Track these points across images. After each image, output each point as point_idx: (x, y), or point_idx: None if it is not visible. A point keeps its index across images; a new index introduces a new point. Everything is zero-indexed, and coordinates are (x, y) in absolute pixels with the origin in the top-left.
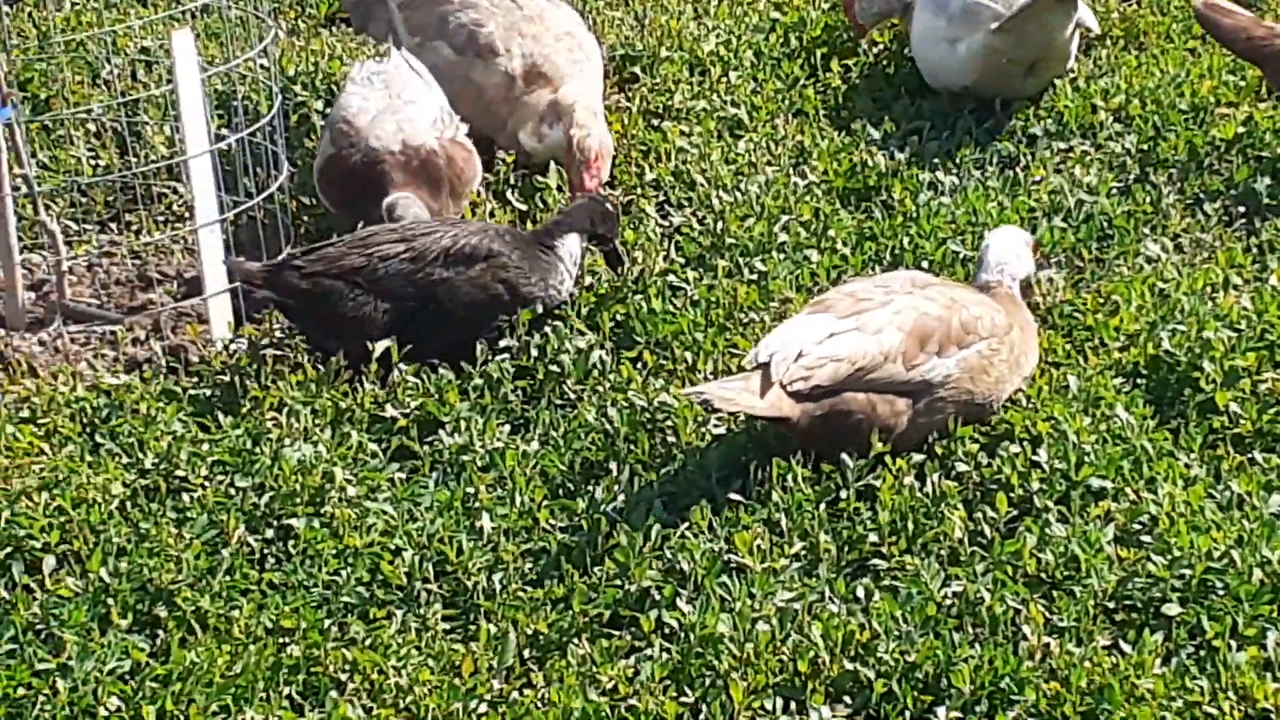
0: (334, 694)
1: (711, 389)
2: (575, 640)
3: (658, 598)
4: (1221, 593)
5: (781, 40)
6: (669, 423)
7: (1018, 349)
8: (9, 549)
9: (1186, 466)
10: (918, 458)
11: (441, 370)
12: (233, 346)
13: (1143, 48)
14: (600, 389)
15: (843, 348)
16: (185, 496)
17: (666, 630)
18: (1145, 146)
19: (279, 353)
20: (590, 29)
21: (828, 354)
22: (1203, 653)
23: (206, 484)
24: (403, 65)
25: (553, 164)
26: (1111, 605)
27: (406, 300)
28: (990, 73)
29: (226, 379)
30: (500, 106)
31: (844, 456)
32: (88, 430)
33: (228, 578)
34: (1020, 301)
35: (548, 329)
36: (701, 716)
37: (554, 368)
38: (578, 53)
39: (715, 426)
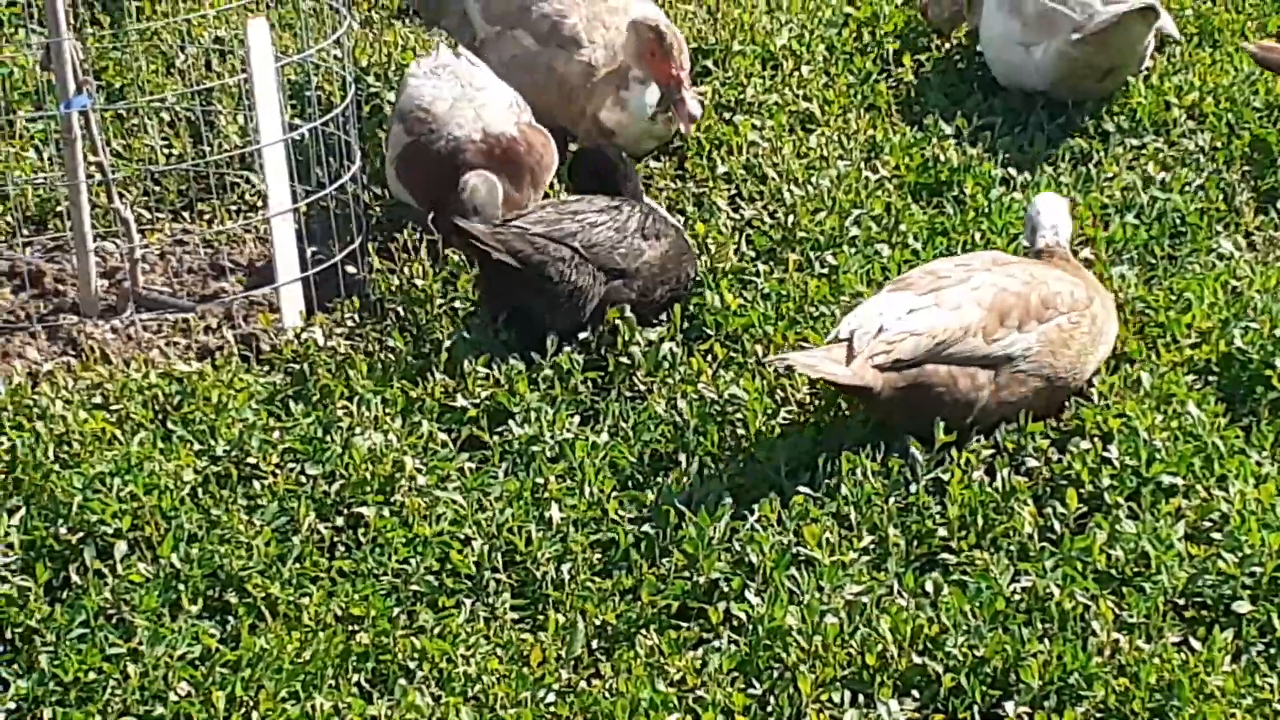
0: (403, 682)
1: (796, 357)
2: (643, 631)
3: (726, 589)
4: None
5: (854, 34)
6: (738, 415)
7: (1099, 321)
8: (81, 534)
9: (1258, 464)
10: (987, 453)
11: (511, 360)
12: (304, 335)
13: (1217, 45)
14: (670, 381)
15: (923, 322)
16: (256, 484)
17: (735, 622)
18: (1218, 144)
19: (350, 342)
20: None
21: (908, 328)
22: (1273, 650)
23: (277, 471)
24: (463, 60)
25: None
26: (1181, 602)
27: (613, 272)
28: (1067, 78)
29: (297, 367)
30: (580, 95)
31: (913, 451)
32: (160, 417)
33: (298, 565)
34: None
35: (618, 321)
36: (769, 708)
37: (624, 360)
38: None
39: (784, 420)
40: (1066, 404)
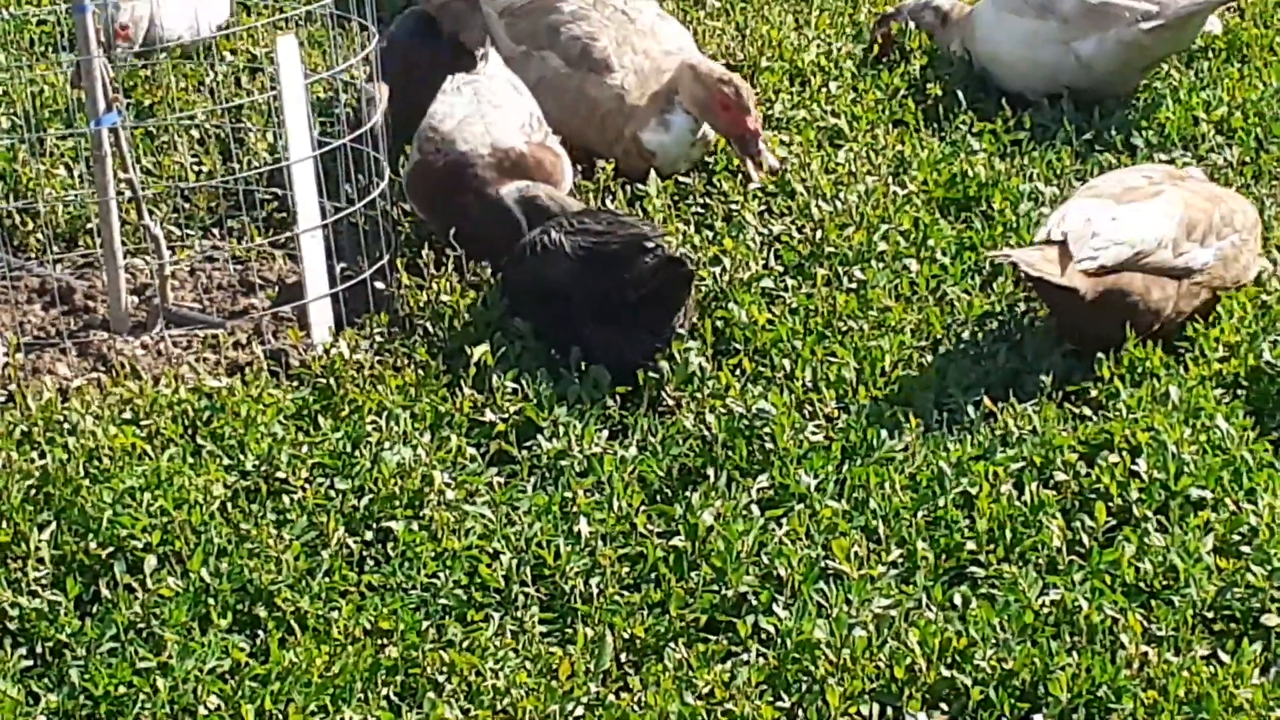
0: (431, 695)
1: (1017, 253)
2: (672, 644)
3: (754, 603)
4: None
5: (881, 50)
6: (766, 430)
7: (1257, 238)
8: (112, 549)
9: None
10: (1015, 466)
11: (540, 375)
12: (333, 350)
13: (1245, 60)
14: (699, 395)
15: (1125, 231)
16: (285, 498)
17: (763, 635)
18: (1247, 158)
19: (379, 357)
20: (698, 44)
21: (1113, 237)
22: None
23: (306, 486)
24: (497, 74)
25: (652, 174)
26: (1210, 615)
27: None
28: (1121, 69)
29: (326, 382)
30: (614, 118)
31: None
32: (189, 432)
33: (327, 579)
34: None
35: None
36: None
37: (653, 374)
38: None
39: (812, 434)
40: None
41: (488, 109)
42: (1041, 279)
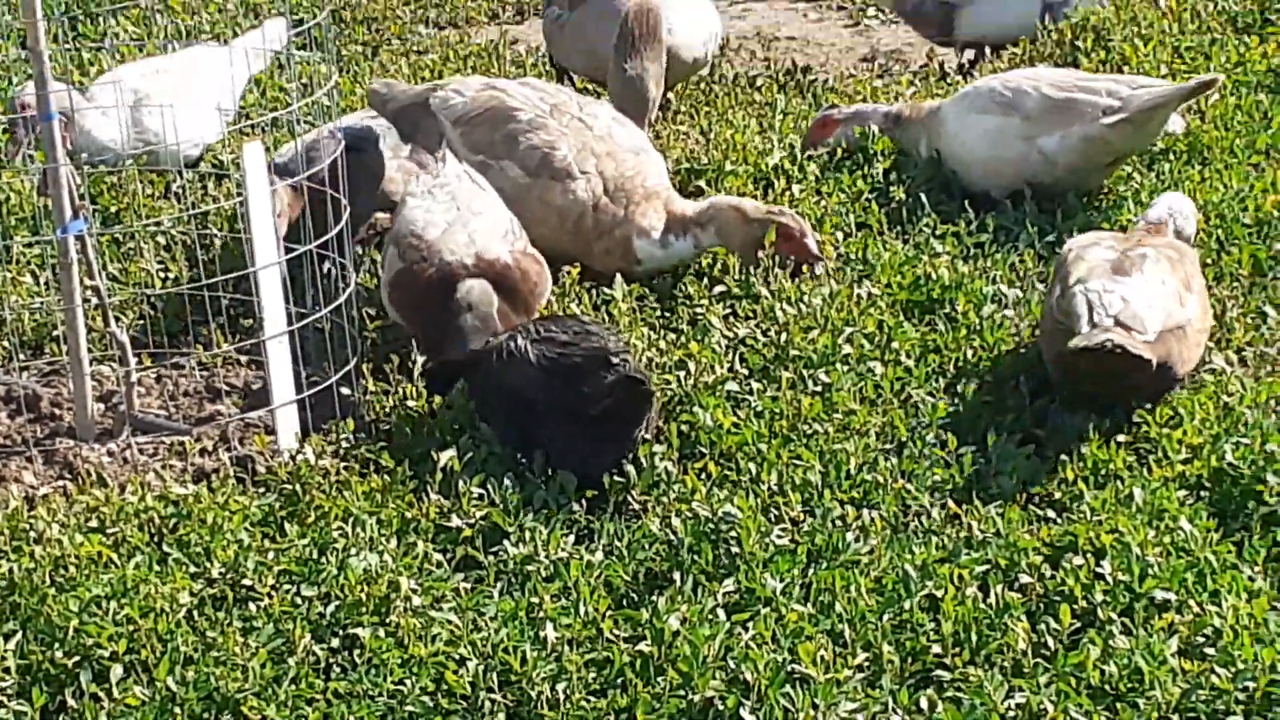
0: None
1: (1102, 336)
2: None
3: (721, 708)
4: None
5: (845, 153)
6: (732, 534)
7: (1207, 301)
8: (78, 658)
9: (1250, 579)
10: (980, 569)
11: (506, 480)
12: (299, 457)
13: (1206, 162)
14: (665, 499)
15: (1152, 299)
16: (252, 605)
17: None
18: (1209, 260)
19: (345, 463)
20: (656, 146)
21: (1148, 304)
22: None
23: (273, 593)
24: (463, 176)
25: (618, 278)
26: (1175, 717)
27: None
28: (1083, 165)
29: (292, 489)
30: (594, 221)
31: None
32: (155, 540)
33: (293, 687)
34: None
35: None
36: None
37: (619, 478)
38: (653, 170)
39: (778, 537)
40: None
41: (469, 217)
42: (1137, 355)
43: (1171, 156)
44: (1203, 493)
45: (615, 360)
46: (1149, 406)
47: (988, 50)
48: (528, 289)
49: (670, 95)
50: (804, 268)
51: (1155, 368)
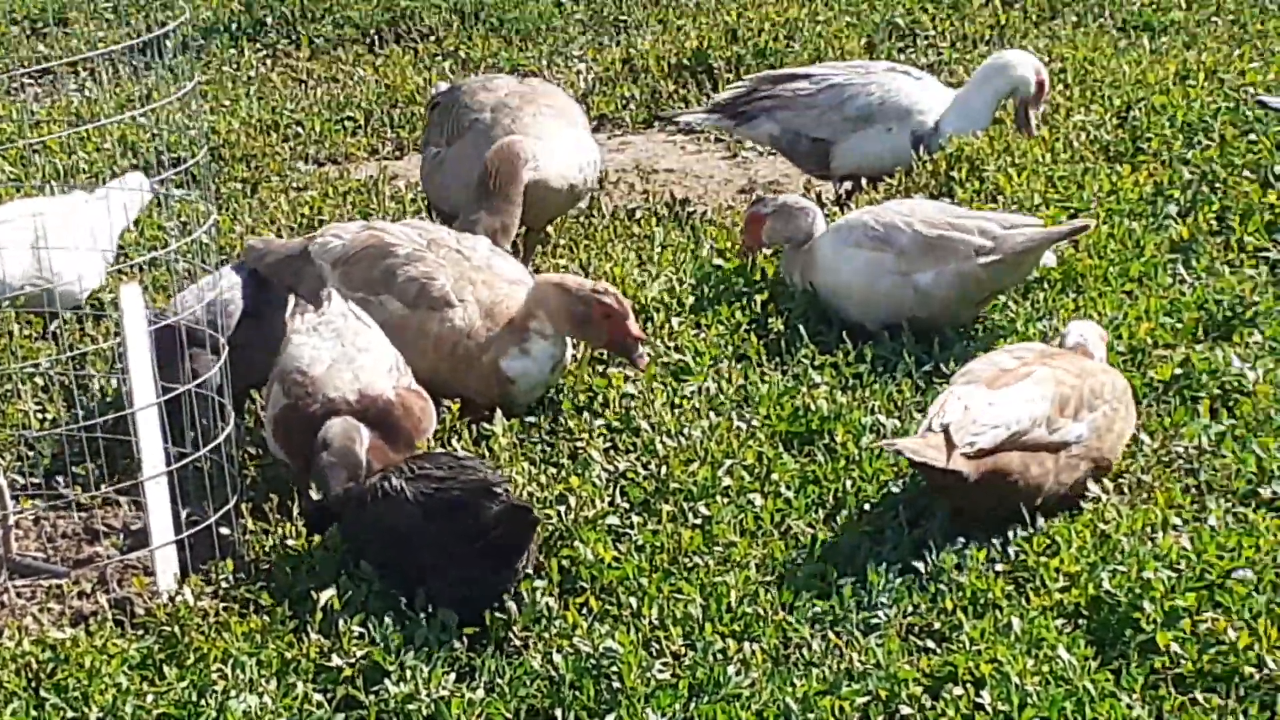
0: None
1: (903, 443)
2: None
3: None
4: None
5: (724, 285)
6: (614, 668)
7: (1128, 403)
8: None
9: (1129, 707)
10: (860, 700)
11: (387, 619)
12: (178, 598)
13: (1080, 291)
14: (546, 635)
15: (1001, 416)
16: None
17: None
18: None
19: (225, 603)
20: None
21: (990, 421)
22: None
23: None
24: (348, 314)
25: (498, 413)
26: None
27: None
28: (957, 301)
29: (171, 630)
30: (468, 352)
31: None
32: (33, 685)
33: None
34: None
35: None
36: None
37: (500, 615)
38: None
39: (659, 672)
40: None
41: (354, 353)
42: (927, 464)
43: (1046, 285)
44: (1080, 621)
45: (498, 490)
46: (1026, 535)
47: (864, 181)
48: (411, 424)
49: (550, 229)
50: (626, 356)
51: (981, 480)
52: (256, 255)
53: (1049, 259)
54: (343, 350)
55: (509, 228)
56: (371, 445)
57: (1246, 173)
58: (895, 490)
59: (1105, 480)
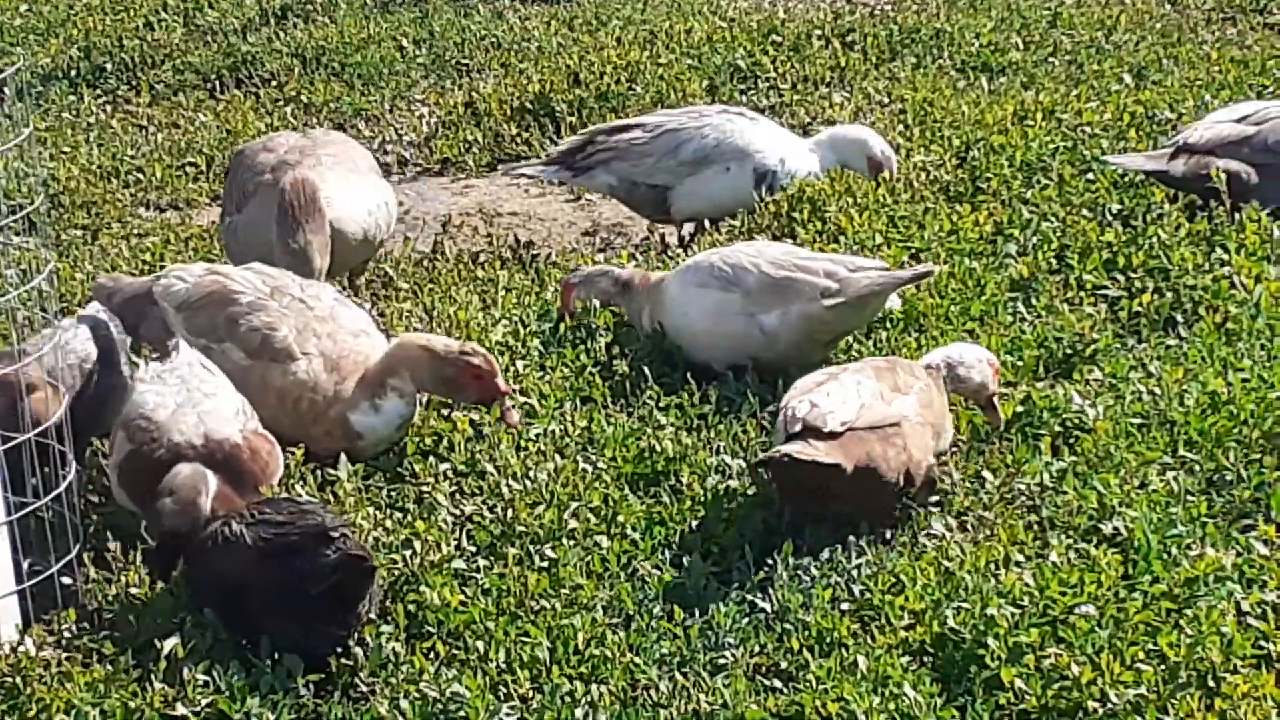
0: None
1: (787, 447)
2: None
3: None
4: None
5: (569, 329)
6: (461, 713)
7: (938, 404)
8: None
9: None
10: None
11: (231, 666)
12: (20, 649)
13: (922, 329)
14: (393, 681)
15: (844, 396)
16: None
17: None
18: None
19: (68, 654)
20: (381, 327)
21: (839, 401)
22: None
23: None
24: (194, 361)
25: (343, 457)
26: None
27: None
28: (803, 342)
29: (13, 682)
30: (311, 404)
31: None
32: None
33: None
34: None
35: None
36: None
37: (346, 660)
38: (376, 349)
39: (507, 715)
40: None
41: (199, 398)
42: (815, 461)
43: (889, 324)
44: (926, 658)
45: (334, 535)
46: (871, 573)
47: (707, 223)
48: (258, 468)
49: (391, 271)
50: (495, 408)
51: (855, 471)
52: (105, 292)
53: (894, 302)
54: (188, 395)
55: (326, 245)
56: (219, 493)
57: (1085, 211)
58: (741, 531)
59: (948, 518)
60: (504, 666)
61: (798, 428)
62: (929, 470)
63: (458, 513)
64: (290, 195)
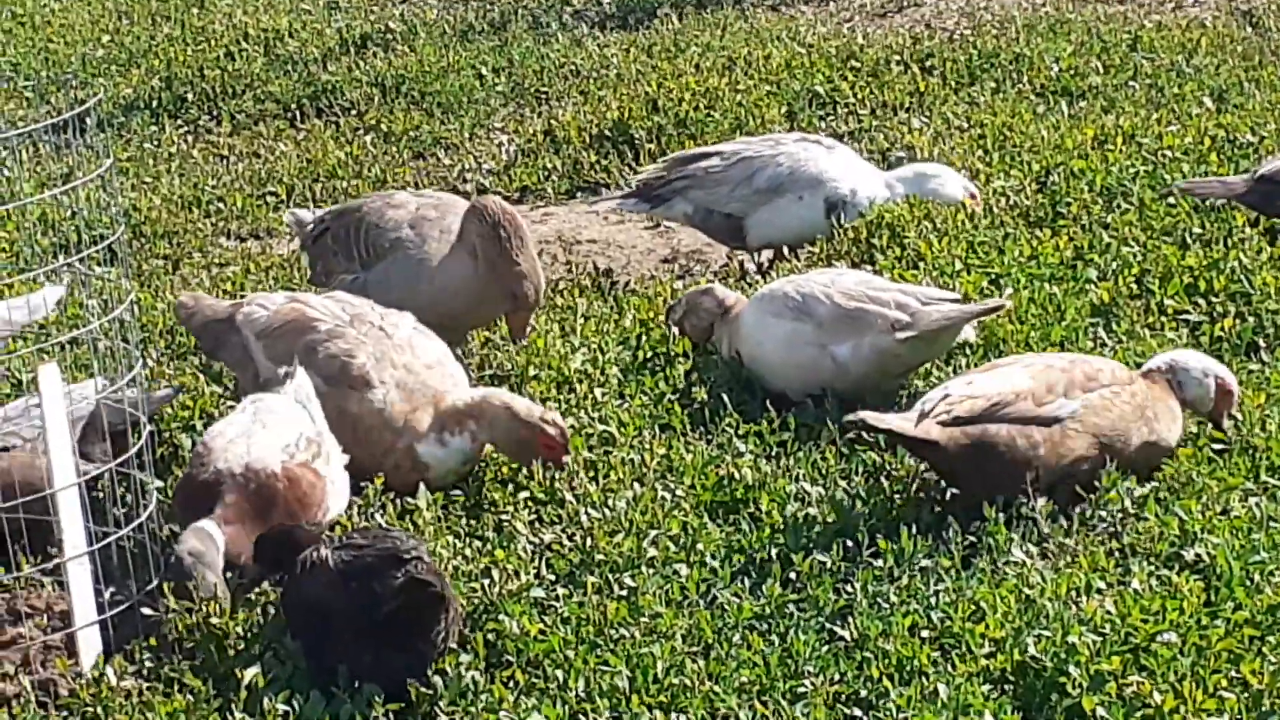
0: None
1: (869, 415)
2: None
3: None
4: None
5: (647, 356)
6: None
7: (1140, 399)
8: None
9: None
10: None
11: (312, 696)
12: (102, 679)
13: (1002, 355)
14: (472, 710)
15: (979, 388)
16: None
17: None
18: None
19: (148, 683)
20: (459, 358)
21: (967, 393)
22: None
23: None
24: (289, 391)
25: (422, 487)
26: None
27: None
28: (875, 373)
29: (94, 711)
30: (383, 433)
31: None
32: None
33: None
34: (1171, 392)
35: None
36: None
37: (425, 690)
38: (448, 381)
39: None
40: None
41: (257, 428)
42: (893, 432)
43: (968, 351)
44: (1007, 686)
45: (406, 558)
46: (950, 601)
47: (785, 249)
48: (293, 498)
49: None
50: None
51: (958, 453)
52: (186, 312)
53: (968, 333)
54: (249, 425)
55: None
56: (230, 536)
57: (1165, 236)
58: (820, 558)
59: (1029, 545)
60: (583, 695)
61: (927, 405)
62: (1067, 469)
63: (536, 541)
64: (505, 219)
